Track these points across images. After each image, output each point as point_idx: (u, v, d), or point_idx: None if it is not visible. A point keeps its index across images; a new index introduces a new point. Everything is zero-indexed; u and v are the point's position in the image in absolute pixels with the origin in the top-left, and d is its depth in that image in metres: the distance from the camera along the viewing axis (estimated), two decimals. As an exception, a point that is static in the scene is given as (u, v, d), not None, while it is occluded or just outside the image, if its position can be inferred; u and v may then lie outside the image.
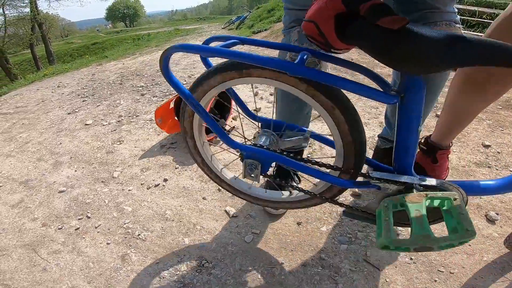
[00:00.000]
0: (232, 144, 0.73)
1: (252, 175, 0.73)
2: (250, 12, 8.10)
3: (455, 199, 0.53)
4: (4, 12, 13.04)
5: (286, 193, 0.84)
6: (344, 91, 0.58)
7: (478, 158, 1.29)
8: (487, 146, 1.38)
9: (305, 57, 0.56)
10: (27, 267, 0.98)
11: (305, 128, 0.76)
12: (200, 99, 0.70)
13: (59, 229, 1.12)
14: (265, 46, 0.67)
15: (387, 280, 0.82)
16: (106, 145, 1.68)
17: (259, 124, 0.78)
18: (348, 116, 0.60)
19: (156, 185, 1.28)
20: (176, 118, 1.56)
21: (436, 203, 0.55)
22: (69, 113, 2.33)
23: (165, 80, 2.91)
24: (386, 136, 1.13)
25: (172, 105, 1.58)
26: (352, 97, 2.02)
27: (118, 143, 1.68)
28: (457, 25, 0.82)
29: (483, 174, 1.18)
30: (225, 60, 0.64)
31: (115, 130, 1.85)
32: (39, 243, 1.07)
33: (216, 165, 0.86)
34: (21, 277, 0.95)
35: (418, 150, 0.91)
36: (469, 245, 0.90)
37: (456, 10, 0.84)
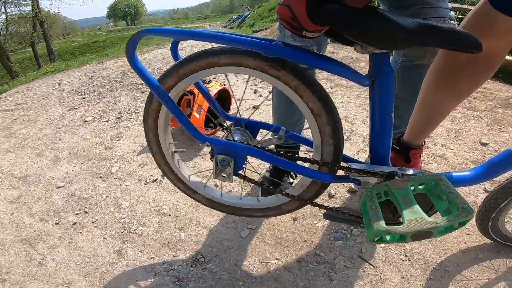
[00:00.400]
0: (201, 137, 0.67)
1: (224, 174, 0.66)
2: (251, 11, 8.09)
3: (440, 179, 0.52)
4: (6, 10, 13.07)
5: (262, 199, 0.78)
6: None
7: (476, 156, 1.28)
8: (484, 144, 1.37)
9: (273, 42, 0.55)
10: (24, 261, 0.99)
11: (280, 127, 0.73)
12: (168, 92, 0.65)
13: (56, 224, 1.13)
14: (234, 41, 0.61)
15: (381, 277, 0.82)
16: (105, 141, 1.68)
17: (231, 123, 0.73)
18: (323, 102, 0.58)
19: (154, 181, 1.28)
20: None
21: (421, 187, 0.54)
22: (69, 110, 2.34)
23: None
24: None
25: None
26: (351, 94, 2.01)
27: (117, 139, 1.68)
28: (452, 21, 0.81)
29: (480, 172, 1.18)
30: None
31: (114, 126, 1.85)
32: (36, 238, 1.07)
33: (184, 172, 0.79)
34: (17, 272, 0.95)
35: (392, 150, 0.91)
36: (465, 243, 0.90)
37: (450, 6, 0.84)
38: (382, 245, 0.90)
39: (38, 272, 0.93)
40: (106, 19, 61.29)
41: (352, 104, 1.90)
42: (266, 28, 5.02)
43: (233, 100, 1.53)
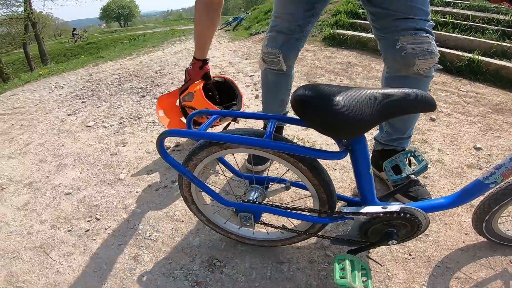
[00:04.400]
0: (227, 203, 0.83)
1: (248, 224, 0.83)
2: (247, 13, 8.14)
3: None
4: (-4, 11, 12.78)
5: (278, 233, 0.93)
6: None
7: (470, 160, 1.36)
8: (478, 149, 1.45)
9: (272, 129, 0.69)
10: (40, 269, 1.01)
11: (285, 179, 0.87)
12: (193, 170, 0.81)
13: (68, 231, 1.15)
14: (242, 117, 0.81)
15: (389, 274, 0.87)
16: (109, 147, 1.70)
17: (246, 181, 0.90)
18: (309, 166, 0.70)
19: (164, 187, 1.31)
20: (182, 119, 1.41)
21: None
22: (69, 115, 2.34)
23: (164, 82, 2.91)
24: (378, 138, 1.21)
25: (178, 103, 1.41)
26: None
27: (122, 145, 1.70)
28: (427, 34, 0.89)
29: (474, 175, 1.26)
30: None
31: (117, 132, 1.87)
32: (50, 245, 1.09)
33: (218, 220, 0.97)
34: (34, 279, 0.97)
35: None
36: (463, 242, 0.97)
37: (430, 18, 0.92)
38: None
39: (56, 279, 0.96)
40: (98, 21, 60.47)
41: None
42: (263, 31, 5.07)
43: (242, 99, 1.44)
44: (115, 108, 2.32)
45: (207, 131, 0.73)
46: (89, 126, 2.02)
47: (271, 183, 0.93)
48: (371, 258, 0.91)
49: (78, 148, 1.74)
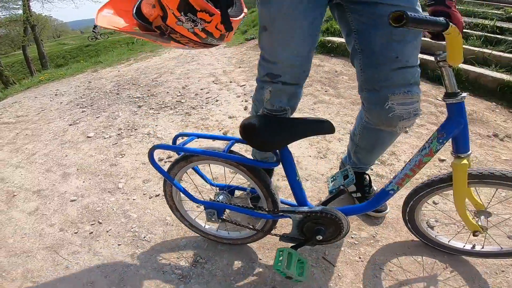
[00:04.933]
0: (197, 201, 1.07)
1: (212, 219, 1.06)
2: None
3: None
4: (-5, 14, 13.03)
5: (247, 232, 1.16)
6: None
7: (431, 172, 1.56)
8: (442, 160, 1.65)
9: (229, 147, 0.93)
10: (51, 266, 1.22)
11: (247, 188, 1.12)
12: (174, 176, 1.05)
13: (75, 233, 1.36)
14: (211, 138, 1.10)
15: (339, 274, 1.08)
16: (109, 158, 1.92)
17: (216, 188, 1.14)
18: (255, 174, 0.93)
19: (157, 195, 1.52)
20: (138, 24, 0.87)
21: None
22: (70, 125, 2.55)
23: (160, 92, 3.11)
24: (345, 162, 1.40)
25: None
26: (331, 111, 2.28)
27: (120, 156, 1.92)
28: (417, 90, 0.88)
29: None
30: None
31: (116, 143, 2.08)
32: (59, 246, 1.31)
33: (198, 225, 1.21)
34: (47, 275, 1.18)
35: None
36: (408, 248, 1.17)
37: (418, 64, 0.88)
38: (342, 248, 1.17)
39: (66, 274, 1.17)
40: None
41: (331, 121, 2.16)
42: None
43: None
44: (113, 119, 2.53)
45: (186, 146, 0.99)
46: (90, 137, 2.24)
47: (236, 190, 1.19)
48: (326, 259, 1.12)
49: (80, 158, 1.96)
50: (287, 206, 1.03)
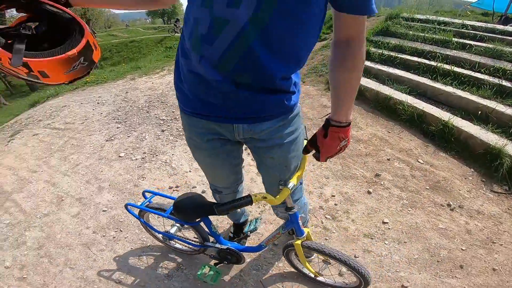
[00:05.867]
0: (157, 231, 1.68)
1: (166, 242, 1.76)
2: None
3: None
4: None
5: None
6: None
7: (370, 231, 2.04)
8: (385, 223, 2.10)
9: (170, 210, 1.48)
10: (84, 258, 1.87)
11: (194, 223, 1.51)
12: (142, 217, 1.67)
13: (103, 236, 2.00)
14: (164, 197, 1.64)
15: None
16: (133, 179, 2.59)
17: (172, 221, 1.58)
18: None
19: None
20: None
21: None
22: (107, 140, 3.29)
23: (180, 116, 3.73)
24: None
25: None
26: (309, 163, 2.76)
27: (142, 179, 2.58)
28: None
29: (363, 242, 1.93)
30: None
31: (140, 166, 2.76)
32: (91, 244, 1.96)
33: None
34: (81, 264, 1.84)
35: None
36: (285, 270, 1.66)
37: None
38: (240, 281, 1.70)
39: (94, 264, 1.82)
40: (145, 15, 67.55)
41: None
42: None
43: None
44: (141, 140, 3.23)
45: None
46: (121, 156, 2.94)
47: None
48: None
49: (112, 175, 2.65)
50: (212, 240, 1.56)
